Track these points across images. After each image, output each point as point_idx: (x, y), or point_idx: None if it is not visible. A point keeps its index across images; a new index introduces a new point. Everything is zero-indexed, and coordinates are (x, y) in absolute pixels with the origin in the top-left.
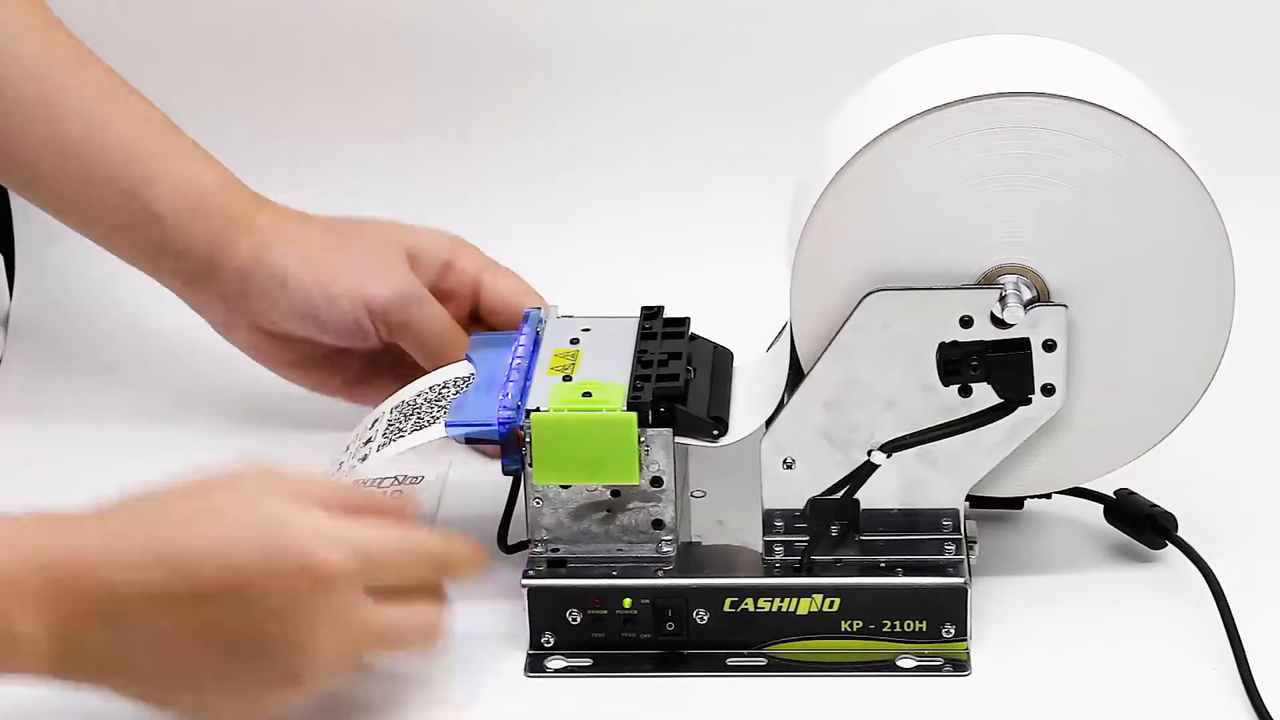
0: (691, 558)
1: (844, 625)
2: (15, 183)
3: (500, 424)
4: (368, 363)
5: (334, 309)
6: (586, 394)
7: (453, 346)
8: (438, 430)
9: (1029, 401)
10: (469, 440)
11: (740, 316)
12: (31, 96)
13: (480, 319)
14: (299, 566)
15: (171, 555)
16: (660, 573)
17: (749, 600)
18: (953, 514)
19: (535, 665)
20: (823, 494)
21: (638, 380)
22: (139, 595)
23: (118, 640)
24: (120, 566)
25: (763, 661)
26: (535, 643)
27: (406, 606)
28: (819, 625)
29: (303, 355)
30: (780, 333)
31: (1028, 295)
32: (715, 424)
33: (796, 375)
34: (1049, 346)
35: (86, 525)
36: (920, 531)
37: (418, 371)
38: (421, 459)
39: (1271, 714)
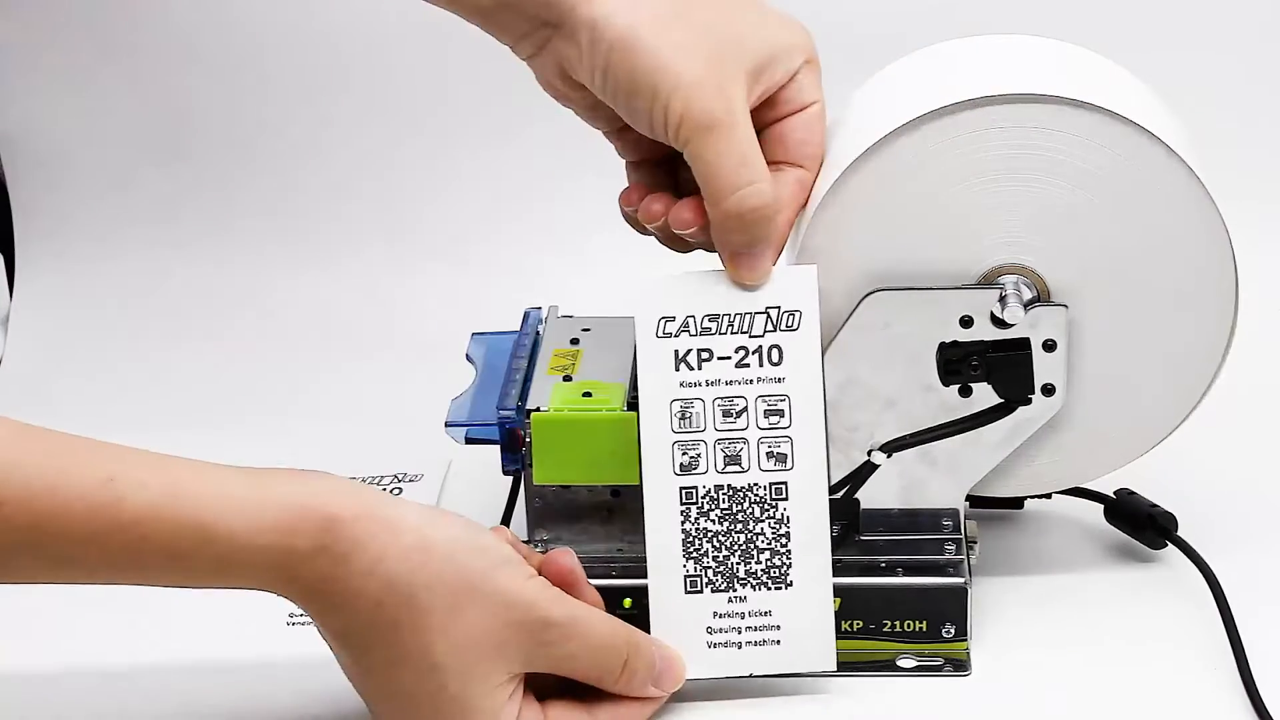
0: None
1: (844, 625)
2: None
3: (500, 424)
4: (653, 142)
5: (634, 98)
6: (586, 394)
7: (746, 189)
8: None
9: (1029, 401)
10: (469, 440)
11: None
12: None
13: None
14: None
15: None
16: None
17: None
18: (953, 514)
19: None
20: None
21: (637, 380)
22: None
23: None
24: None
25: None
26: None
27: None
28: None
29: (593, 103)
30: None
31: (1028, 295)
32: None
33: None
34: (1049, 346)
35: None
36: (920, 531)
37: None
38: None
39: (1271, 714)
